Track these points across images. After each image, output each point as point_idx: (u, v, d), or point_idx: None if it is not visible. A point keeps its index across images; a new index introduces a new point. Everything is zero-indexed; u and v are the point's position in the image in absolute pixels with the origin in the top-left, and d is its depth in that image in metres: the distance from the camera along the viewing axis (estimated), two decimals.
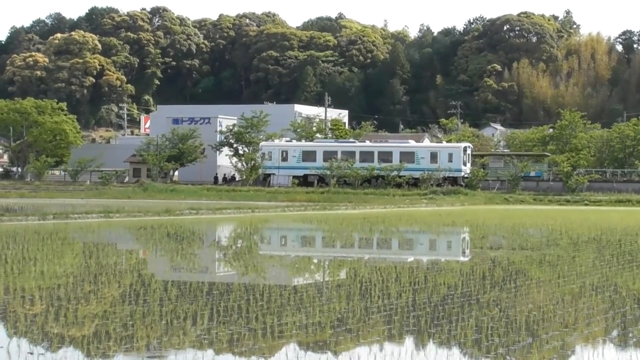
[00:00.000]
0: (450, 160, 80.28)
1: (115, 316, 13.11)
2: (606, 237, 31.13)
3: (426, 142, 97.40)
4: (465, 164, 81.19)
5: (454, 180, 79.35)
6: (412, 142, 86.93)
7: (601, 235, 31.92)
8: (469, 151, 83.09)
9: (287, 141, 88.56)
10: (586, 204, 67.66)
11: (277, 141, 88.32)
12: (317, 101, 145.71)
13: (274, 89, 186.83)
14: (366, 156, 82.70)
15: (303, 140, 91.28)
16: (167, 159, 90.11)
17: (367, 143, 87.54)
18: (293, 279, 19.39)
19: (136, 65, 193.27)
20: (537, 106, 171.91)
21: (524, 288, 17.24)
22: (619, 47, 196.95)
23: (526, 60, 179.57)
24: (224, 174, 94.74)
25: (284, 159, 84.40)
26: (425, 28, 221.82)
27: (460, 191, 74.32)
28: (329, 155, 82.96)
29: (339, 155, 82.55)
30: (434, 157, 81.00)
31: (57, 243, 25.38)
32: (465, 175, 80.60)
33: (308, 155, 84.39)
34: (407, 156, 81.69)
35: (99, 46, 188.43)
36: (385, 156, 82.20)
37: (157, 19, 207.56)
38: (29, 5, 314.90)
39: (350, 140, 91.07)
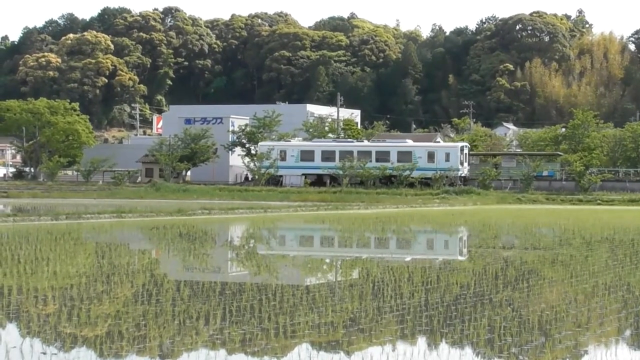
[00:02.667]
0: (447, 160, 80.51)
1: (128, 316, 13.13)
2: (619, 236, 31.06)
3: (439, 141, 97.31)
4: (462, 164, 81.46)
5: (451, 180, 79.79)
6: (409, 142, 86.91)
7: (614, 234, 31.84)
8: (466, 150, 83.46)
9: (285, 141, 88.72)
10: (599, 204, 67.50)
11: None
12: (330, 101, 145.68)
13: (286, 88, 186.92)
14: (364, 156, 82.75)
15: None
16: (180, 159, 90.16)
17: (365, 143, 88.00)
18: (305, 279, 19.39)
19: (148, 66, 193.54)
20: (549, 106, 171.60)
21: (536, 288, 17.22)
22: (632, 47, 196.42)
23: (538, 59, 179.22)
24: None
25: (283, 158, 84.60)
26: (437, 27, 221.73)
27: (473, 191, 74.23)
28: (327, 155, 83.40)
29: (337, 155, 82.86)
30: (431, 156, 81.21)
31: (70, 243, 25.43)
32: (463, 175, 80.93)
33: (306, 155, 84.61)
34: (405, 156, 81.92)
35: (112, 46, 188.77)
36: (383, 156, 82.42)
37: (169, 19, 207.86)
38: (41, 6, 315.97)
39: (349, 140, 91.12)
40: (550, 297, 15.94)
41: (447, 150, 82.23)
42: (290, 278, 19.20)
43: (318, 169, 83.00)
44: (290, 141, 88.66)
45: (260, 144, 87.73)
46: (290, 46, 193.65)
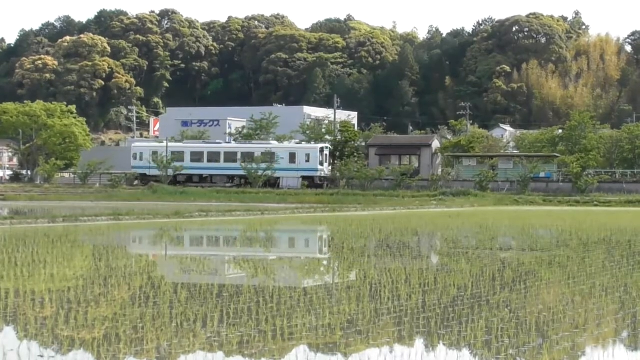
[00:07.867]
0: (307, 160, 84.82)
1: (126, 319, 13.12)
2: (616, 237, 31.06)
3: (435, 143, 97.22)
4: (322, 164, 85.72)
5: (311, 180, 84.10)
6: (274, 143, 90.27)
7: (611, 236, 31.85)
8: (326, 152, 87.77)
9: (158, 142, 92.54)
10: (596, 205, 67.56)
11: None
12: (327, 103, 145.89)
13: (283, 90, 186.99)
14: (230, 157, 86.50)
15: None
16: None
17: (232, 144, 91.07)
18: (303, 281, 19.38)
19: (145, 68, 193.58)
20: (546, 107, 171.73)
21: (534, 289, 17.21)
22: (628, 48, 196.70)
23: (535, 61, 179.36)
24: None
25: (154, 159, 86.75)
26: (434, 29, 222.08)
27: (470, 192, 74.41)
28: (196, 156, 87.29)
29: (205, 156, 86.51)
30: (292, 157, 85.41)
31: (67, 246, 25.40)
32: (323, 175, 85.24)
33: (177, 156, 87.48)
34: (268, 156, 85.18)
35: (108, 49, 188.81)
36: (248, 157, 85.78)
37: (166, 22, 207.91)
38: (38, 9, 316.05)
39: (217, 141, 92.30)
40: (547, 299, 15.94)
41: (308, 151, 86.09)
42: (288, 280, 19.19)
43: (188, 169, 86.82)
44: (162, 142, 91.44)
45: (133, 145, 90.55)
46: (287, 48, 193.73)
